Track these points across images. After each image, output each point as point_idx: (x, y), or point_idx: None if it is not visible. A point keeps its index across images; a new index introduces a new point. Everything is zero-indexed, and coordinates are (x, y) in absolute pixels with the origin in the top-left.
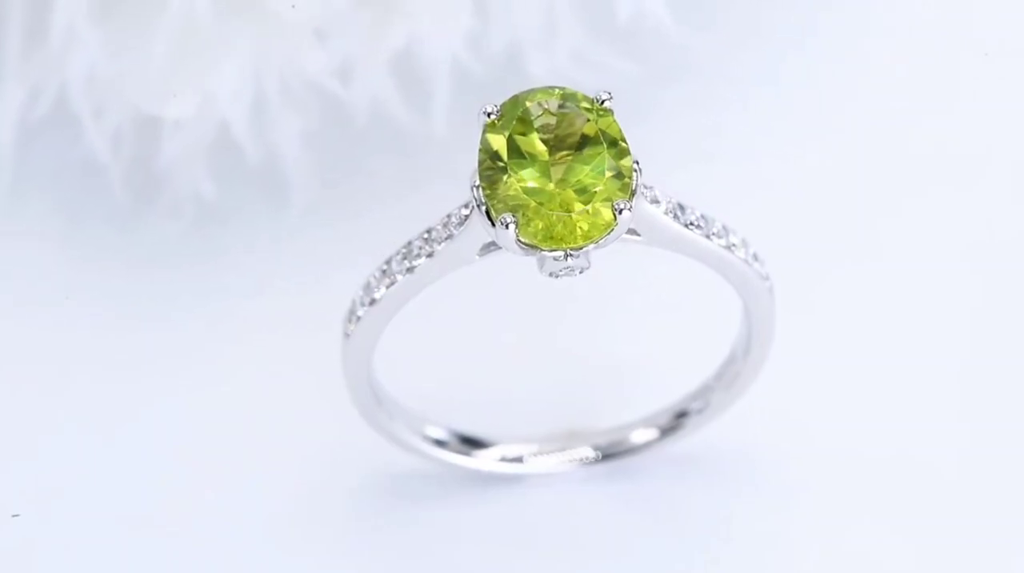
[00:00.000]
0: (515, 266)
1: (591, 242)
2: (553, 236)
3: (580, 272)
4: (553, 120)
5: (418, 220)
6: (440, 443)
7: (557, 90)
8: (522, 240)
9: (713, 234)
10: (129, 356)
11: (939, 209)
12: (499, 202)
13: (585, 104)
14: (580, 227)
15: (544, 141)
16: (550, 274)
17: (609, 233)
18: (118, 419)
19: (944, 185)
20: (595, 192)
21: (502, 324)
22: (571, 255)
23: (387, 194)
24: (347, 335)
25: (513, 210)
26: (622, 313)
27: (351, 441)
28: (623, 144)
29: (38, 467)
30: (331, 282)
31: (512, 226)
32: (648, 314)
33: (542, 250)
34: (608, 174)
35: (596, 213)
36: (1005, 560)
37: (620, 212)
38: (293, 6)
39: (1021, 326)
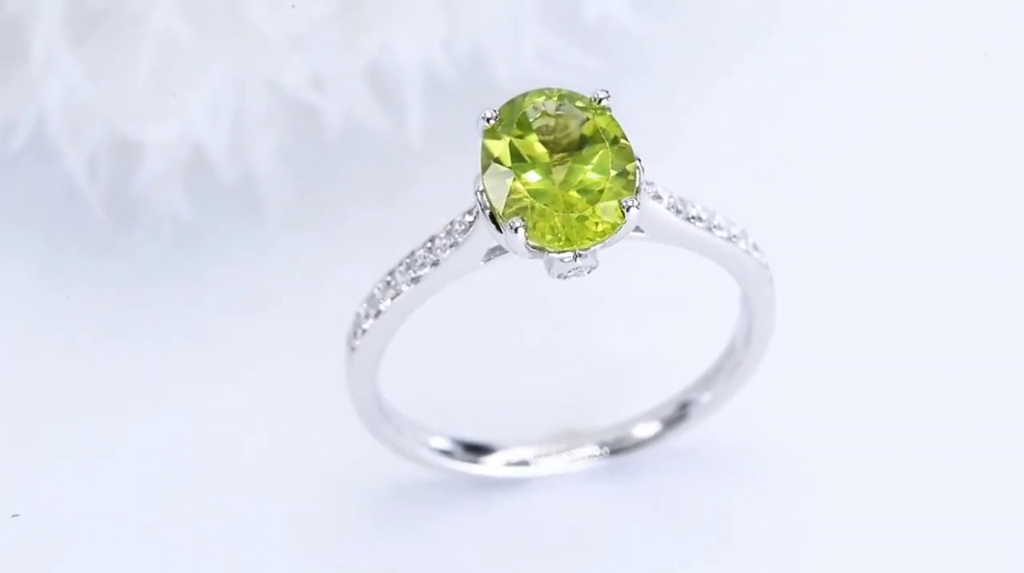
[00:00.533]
0: (507, 271)
1: (600, 242)
2: (560, 237)
3: (589, 272)
4: (551, 122)
5: (396, 227)
6: (446, 453)
7: (553, 91)
8: (531, 243)
9: (715, 227)
10: (124, 375)
11: (938, 209)
12: (505, 206)
13: (582, 104)
14: (588, 227)
15: (543, 143)
16: (559, 276)
17: (617, 231)
18: (113, 438)
19: (944, 184)
20: (600, 191)
21: (497, 328)
22: (580, 255)
23: (365, 202)
24: (353, 349)
25: (518, 214)
26: (618, 312)
27: (352, 449)
28: (624, 142)
29: (41, 483)
30: (316, 292)
31: (521, 230)
32: (645, 312)
33: (551, 252)
34: (612, 172)
35: (604, 212)
36: (1005, 560)
37: (628, 210)
38: (293, 6)
39: (1021, 326)
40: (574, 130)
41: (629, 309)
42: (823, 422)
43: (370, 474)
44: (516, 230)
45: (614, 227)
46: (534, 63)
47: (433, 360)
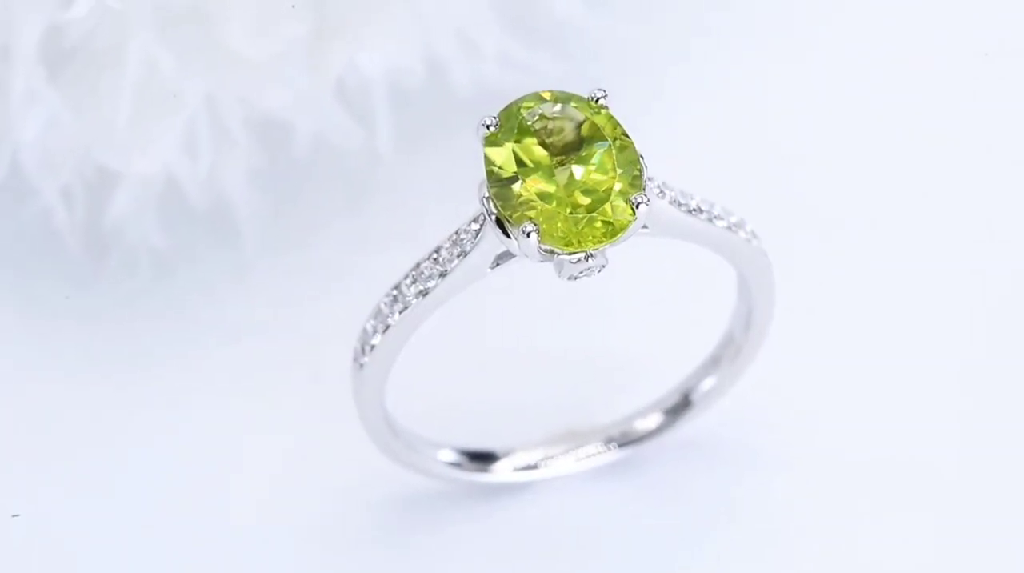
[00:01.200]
0: (507, 275)
1: (609, 241)
2: (570, 239)
3: (599, 271)
4: (551, 124)
5: (374, 234)
6: (455, 465)
7: (550, 94)
8: (543, 246)
9: (715, 218)
10: (114, 405)
11: (939, 209)
12: (512, 211)
13: (579, 104)
14: (595, 227)
15: (544, 145)
16: (569, 277)
17: (628, 230)
18: (104, 464)
19: (944, 184)
20: (605, 191)
21: (495, 330)
22: (590, 256)
23: (339, 213)
24: (361, 366)
25: (525, 218)
26: (615, 311)
27: (351, 457)
28: (626, 139)
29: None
30: (300, 308)
31: (534, 234)
32: (643, 310)
33: (561, 254)
34: (618, 171)
35: (613, 210)
36: (1005, 560)
37: (638, 207)
38: (293, 6)
39: (1021, 326)
40: (570, 131)
41: (626, 307)
42: (823, 422)
43: (372, 482)
44: (528, 235)
45: (623, 225)
46: (494, 67)
47: (431, 364)
